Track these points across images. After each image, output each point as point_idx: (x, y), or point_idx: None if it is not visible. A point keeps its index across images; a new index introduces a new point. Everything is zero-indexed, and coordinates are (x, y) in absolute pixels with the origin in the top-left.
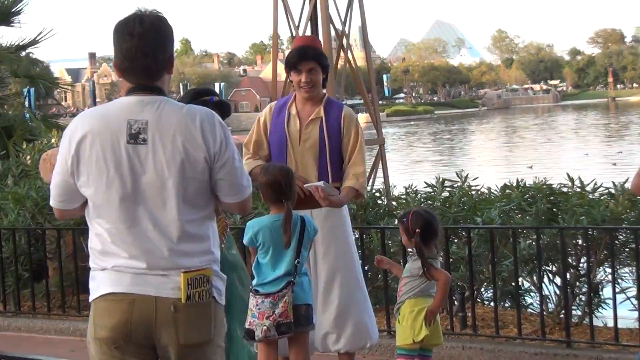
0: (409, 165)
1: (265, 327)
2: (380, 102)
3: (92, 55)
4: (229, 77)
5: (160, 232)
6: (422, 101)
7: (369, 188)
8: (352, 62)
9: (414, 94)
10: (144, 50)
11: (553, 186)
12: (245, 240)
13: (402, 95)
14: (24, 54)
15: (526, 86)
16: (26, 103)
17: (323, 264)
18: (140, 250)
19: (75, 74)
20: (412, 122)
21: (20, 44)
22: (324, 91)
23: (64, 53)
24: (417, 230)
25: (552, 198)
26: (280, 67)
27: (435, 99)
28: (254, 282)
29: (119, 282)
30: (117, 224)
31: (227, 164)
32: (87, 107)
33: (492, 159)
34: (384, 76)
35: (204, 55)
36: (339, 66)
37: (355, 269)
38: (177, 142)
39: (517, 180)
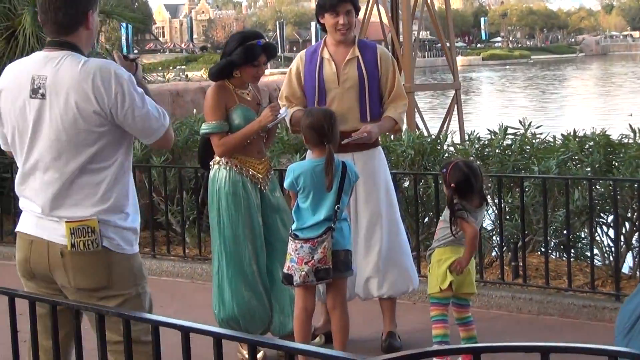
0: (500, 110)
1: (303, 273)
2: (477, 45)
3: None
4: None
5: (55, 182)
6: (520, 45)
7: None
8: (429, 4)
9: (511, 38)
10: (56, 4)
11: (611, 137)
12: (285, 184)
13: (499, 39)
14: None
15: (625, 33)
16: (123, 39)
17: (365, 208)
18: (37, 197)
19: (173, 9)
20: (506, 67)
21: None
22: (354, 33)
23: None
24: (452, 184)
25: (610, 149)
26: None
27: (529, 43)
28: (294, 226)
29: (25, 222)
30: (23, 171)
31: (128, 114)
32: (183, 43)
33: (588, 106)
34: (482, 19)
35: None
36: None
37: (396, 213)
38: (69, 97)
39: (574, 130)
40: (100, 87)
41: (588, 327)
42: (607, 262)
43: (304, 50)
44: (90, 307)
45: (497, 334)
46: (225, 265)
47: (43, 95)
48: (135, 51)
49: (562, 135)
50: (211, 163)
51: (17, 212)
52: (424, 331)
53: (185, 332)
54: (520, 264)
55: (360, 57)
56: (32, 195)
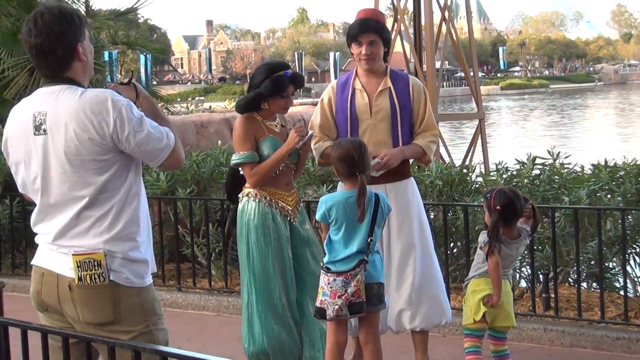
0: (520, 140)
1: (337, 306)
2: (497, 74)
3: (209, 23)
4: (343, 46)
5: (66, 214)
6: (538, 75)
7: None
8: (453, 34)
9: (529, 67)
10: (42, 48)
11: None
12: (318, 216)
13: (517, 68)
14: (141, 20)
15: None
16: (142, 70)
17: (397, 239)
18: (50, 230)
19: (191, 41)
20: (525, 96)
21: (120, 10)
22: (386, 64)
23: (182, 20)
24: (498, 207)
25: None
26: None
27: (547, 72)
28: (325, 259)
29: (38, 255)
30: (40, 208)
31: (129, 140)
32: (202, 74)
33: (610, 135)
34: (500, 49)
35: (320, 24)
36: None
37: (430, 244)
38: (69, 128)
39: (606, 159)
40: (98, 116)
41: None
42: (638, 293)
43: (335, 81)
44: (126, 343)
45: None
46: (255, 298)
47: (45, 131)
48: (154, 82)
49: (592, 165)
50: (240, 195)
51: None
52: None
53: None
54: (552, 295)
55: (392, 87)
56: (45, 229)
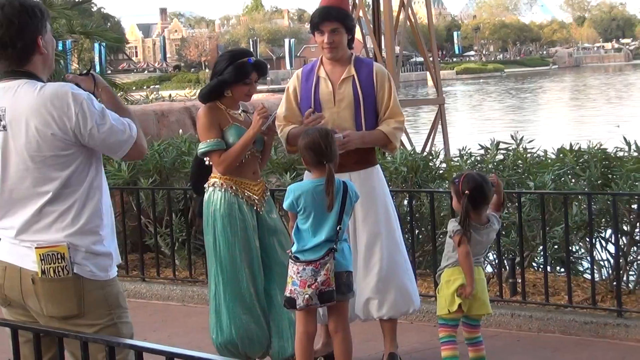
0: (477, 125)
1: (307, 296)
2: (453, 59)
3: (163, 11)
4: (298, 33)
5: (28, 209)
6: (493, 59)
7: (427, 149)
8: (412, 19)
9: (484, 52)
10: (2, 41)
11: (608, 151)
12: (285, 205)
13: (472, 52)
14: (95, 9)
15: (598, 44)
16: (97, 59)
17: (363, 228)
18: (11, 224)
19: (146, 29)
20: (480, 80)
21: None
22: (351, 51)
23: (135, 8)
24: (466, 191)
25: (606, 163)
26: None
27: (502, 57)
28: (294, 248)
29: (0, 249)
30: None
31: (92, 134)
32: (157, 63)
33: (566, 118)
34: (455, 33)
35: (274, 11)
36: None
37: (396, 232)
38: (30, 124)
39: (571, 144)
40: (59, 111)
41: (590, 344)
42: (604, 277)
43: (301, 69)
44: (100, 338)
45: (498, 353)
46: (222, 288)
47: (4, 127)
48: (109, 71)
49: (557, 149)
50: (205, 185)
51: None
52: (424, 351)
53: None
54: (519, 280)
55: (355, 75)
56: (7, 224)
